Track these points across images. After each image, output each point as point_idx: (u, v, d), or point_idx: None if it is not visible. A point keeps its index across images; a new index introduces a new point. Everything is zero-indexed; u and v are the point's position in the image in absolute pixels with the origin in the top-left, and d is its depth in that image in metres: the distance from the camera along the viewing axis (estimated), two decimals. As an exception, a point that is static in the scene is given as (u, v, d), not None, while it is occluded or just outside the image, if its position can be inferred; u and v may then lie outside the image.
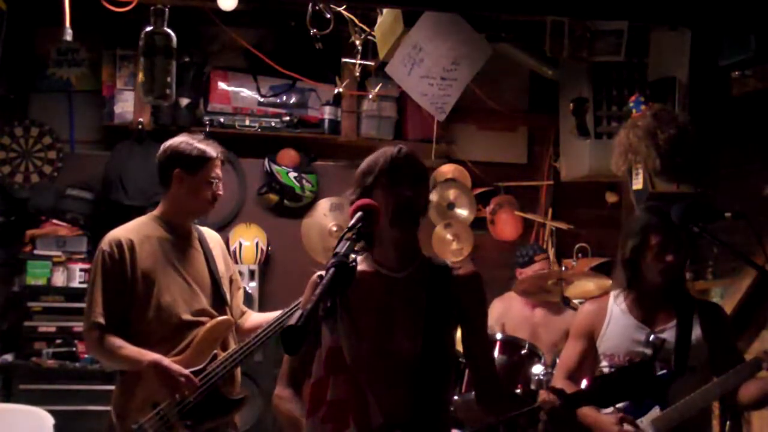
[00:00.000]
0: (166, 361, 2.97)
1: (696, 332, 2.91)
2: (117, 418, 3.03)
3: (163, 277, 3.06)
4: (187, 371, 2.97)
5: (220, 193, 3.18)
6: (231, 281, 3.31)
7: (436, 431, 2.17)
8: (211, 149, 3.15)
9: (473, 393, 2.73)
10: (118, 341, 2.98)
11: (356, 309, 2.18)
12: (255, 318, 3.39)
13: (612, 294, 3.07)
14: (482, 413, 2.31)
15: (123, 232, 3.10)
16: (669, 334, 2.91)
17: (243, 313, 3.38)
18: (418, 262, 2.27)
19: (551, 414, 2.08)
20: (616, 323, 2.99)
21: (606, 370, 2.99)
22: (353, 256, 1.99)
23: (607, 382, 2.09)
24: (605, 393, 2.06)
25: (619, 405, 2.83)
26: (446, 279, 2.27)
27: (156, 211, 3.20)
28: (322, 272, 2.20)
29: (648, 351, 2.90)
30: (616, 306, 3.01)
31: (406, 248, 2.25)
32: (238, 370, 3.21)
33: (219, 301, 3.18)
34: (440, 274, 2.27)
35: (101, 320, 2.98)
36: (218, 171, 3.16)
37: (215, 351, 3.09)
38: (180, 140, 3.16)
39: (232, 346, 3.17)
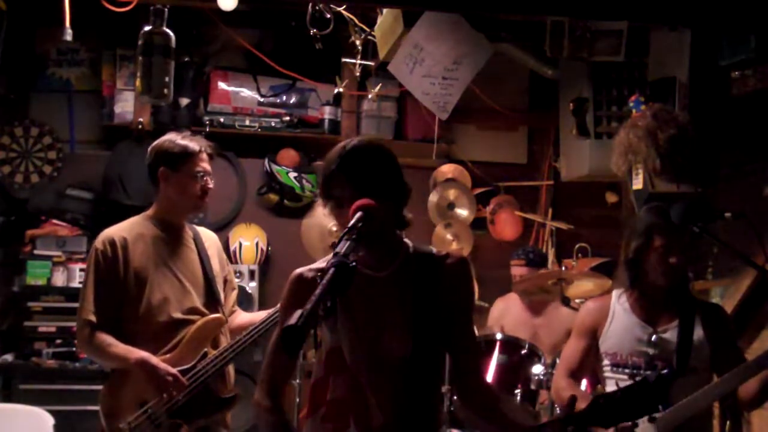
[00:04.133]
0: (154, 359, 2.97)
1: (698, 333, 2.91)
2: (105, 417, 3.03)
3: (155, 276, 3.06)
4: (174, 370, 2.97)
5: (210, 186, 3.18)
6: (225, 281, 3.31)
7: (424, 429, 2.15)
8: (194, 144, 3.15)
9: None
10: (107, 339, 2.99)
11: (352, 309, 2.15)
12: (243, 317, 3.38)
13: (615, 293, 3.07)
14: (463, 410, 2.25)
15: (116, 230, 3.12)
16: (671, 334, 2.91)
17: (232, 312, 3.37)
18: (401, 257, 2.17)
19: None
20: (619, 322, 2.99)
21: (608, 368, 2.99)
22: (354, 256, 1.97)
23: (610, 402, 2.05)
24: (608, 413, 2.03)
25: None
26: (433, 269, 2.17)
27: (149, 211, 3.21)
28: (302, 270, 2.18)
29: (650, 350, 2.91)
30: (619, 305, 3.01)
31: (381, 247, 2.13)
32: (231, 369, 3.21)
33: (212, 301, 3.18)
34: (426, 266, 2.17)
35: (92, 318, 2.99)
36: (204, 165, 3.16)
37: (205, 349, 3.09)
38: (164, 139, 3.18)
39: (224, 344, 3.16)
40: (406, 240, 2.22)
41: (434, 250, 2.24)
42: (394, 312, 2.14)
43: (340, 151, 2.09)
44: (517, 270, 4.76)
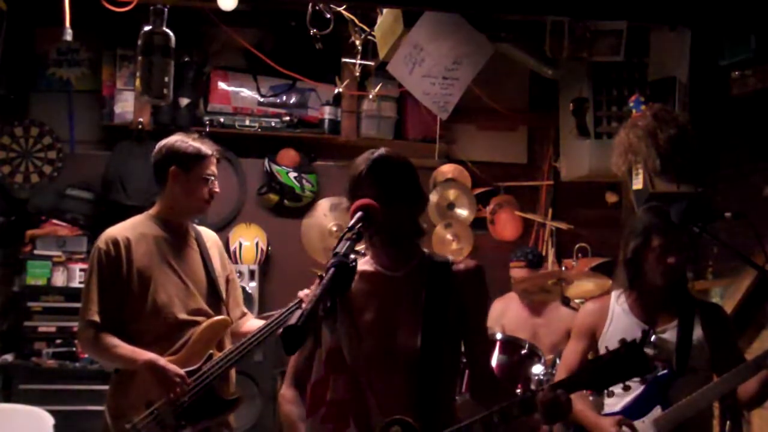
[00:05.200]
0: (162, 360, 2.96)
1: (697, 333, 2.91)
2: (111, 417, 3.02)
3: (158, 276, 3.05)
4: (182, 371, 2.96)
5: (217, 190, 3.19)
6: (227, 281, 3.30)
7: (436, 429, 2.15)
8: (206, 147, 3.16)
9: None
10: (113, 340, 2.97)
11: (357, 309, 2.18)
12: (253, 323, 3.37)
13: (613, 294, 3.07)
14: (478, 410, 2.29)
15: (119, 230, 3.10)
16: (670, 334, 2.91)
17: (243, 315, 3.37)
18: (417, 260, 2.26)
19: (545, 405, 2.07)
20: (618, 323, 2.98)
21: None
22: (354, 255, 1.98)
23: (598, 366, 2.09)
24: (597, 376, 2.06)
25: (620, 406, 2.84)
26: (446, 275, 2.25)
27: (152, 210, 3.20)
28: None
29: (650, 351, 2.90)
30: (618, 306, 3.01)
31: (398, 249, 2.24)
32: (233, 370, 3.21)
33: (215, 301, 3.17)
34: (440, 271, 2.25)
35: (96, 318, 2.98)
36: (213, 168, 3.17)
37: (211, 351, 3.08)
38: (175, 139, 3.17)
39: (228, 346, 3.16)
40: (424, 249, 2.31)
41: (450, 258, 2.33)
42: (405, 310, 2.20)
43: (369, 156, 2.23)
44: (518, 272, 4.75)
